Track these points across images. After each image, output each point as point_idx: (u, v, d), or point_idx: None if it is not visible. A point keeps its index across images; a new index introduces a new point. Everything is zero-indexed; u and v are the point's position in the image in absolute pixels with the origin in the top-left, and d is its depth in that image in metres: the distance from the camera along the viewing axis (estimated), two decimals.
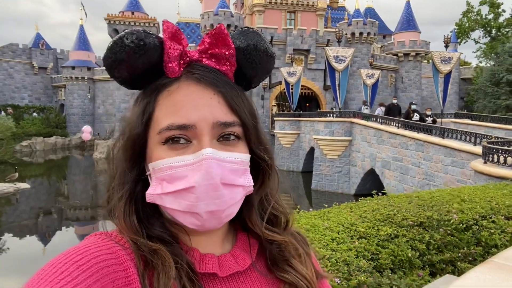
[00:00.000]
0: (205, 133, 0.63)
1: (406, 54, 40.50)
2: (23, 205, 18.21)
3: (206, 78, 0.65)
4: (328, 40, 36.22)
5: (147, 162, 0.66)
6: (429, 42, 40.81)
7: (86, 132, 35.29)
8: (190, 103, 0.63)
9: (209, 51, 0.68)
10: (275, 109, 37.38)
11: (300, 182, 24.37)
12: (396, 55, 41.04)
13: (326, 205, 4.47)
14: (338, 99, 22.85)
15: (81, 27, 48.05)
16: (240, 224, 0.77)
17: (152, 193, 0.64)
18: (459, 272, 3.48)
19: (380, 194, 5.51)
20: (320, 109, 32.70)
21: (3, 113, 37.05)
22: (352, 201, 4.99)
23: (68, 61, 46.46)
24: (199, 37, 46.54)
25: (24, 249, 12.96)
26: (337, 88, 22.76)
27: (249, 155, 0.69)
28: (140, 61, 0.63)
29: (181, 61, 0.66)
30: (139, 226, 0.64)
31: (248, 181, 0.68)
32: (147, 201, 0.65)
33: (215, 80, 0.66)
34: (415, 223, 3.87)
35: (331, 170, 20.82)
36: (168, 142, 0.63)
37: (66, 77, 44.99)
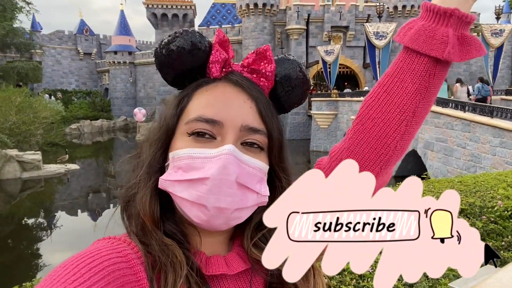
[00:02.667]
0: (231, 132, 0.64)
1: None
2: (73, 184, 19.44)
3: (243, 83, 0.69)
4: (369, 16, 34.71)
5: (169, 152, 0.68)
6: (479, 14, 38.03)
7: (140, 114, 36.62)
8: (223, 101, 0.66)
9: (251, 66, 0.72)
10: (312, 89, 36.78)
11: None
12: None
13: None
14: (378, 77, 22.04)
15: (122, 12, 49.32)
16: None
17: (166, 179, 0.65)
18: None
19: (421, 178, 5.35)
20: (358, 89, 31.74)
21: (53, 98, 39.23)
22: (392, 184, 4.88)
23: (110, 46, 48.09)
24: (235, 17, 46.24)
25: (76, 225, 13.92)
26: (377, 66, 21.94)
27: (267, 166, 0.69)
28: (188, 61, 0.68)
29: (224, 69, 0.70)
30: (159, 217, 0.65)
31: (264, 190, 0.67)
32: (159, 186, 0.66)
33: (251, 87, 0.69)
34: None
35: None
36: (193, 134, 0.65)
37: (109, 62, 46.71)
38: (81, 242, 12.06)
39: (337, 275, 2.24)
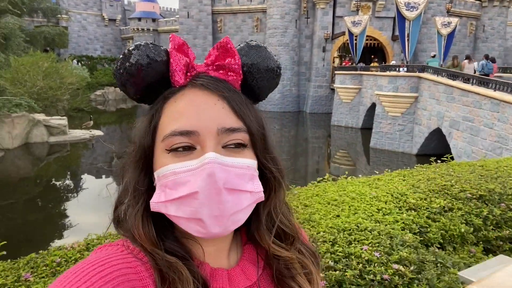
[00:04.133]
0: (209, 139, 0.63)
1: None
2: (98, 149, 20.06)
3: (210, 84, 0.66)
4: None
5: (154, 171, 0.67)
6: None
7: None
8: (194, 109, 0.64)
9: (216, 63, 0.69)
10: (337, 61, 35.78)
11: (359, 139, 23.73)
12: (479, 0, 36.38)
13: (377, 172, 4.34)
14: (407, 51, 21.22)
15: None
16: (246, 235, 0.77)
17: (157, 201, 0.64)
18: None
19: (439, 161, 5.22)
20: (385, 62, 30.69)
21: (79, 63, 39.83)
22: (413, 162, 4.75)
23: (134, 13, 47.88)
24: None
25: (100, 188, 14.47)
26: (406, 38, 21.05)
27: (256, 161, 0.68)
28: (150, 75, 0.66)
29: (188, 73, 0.68)
30: (157, 238, 0.65)
31: (257, 187, 0.66)
32: (151, 210, 0.65)
33: (219, 87, 0.66)
34: (474, 196, 3.66)
35: (392, 128, 19.91)
36: (172, 150, 0.63)
37: (133, 29, 46.66)
38: (105, 204, 12.54)
39: (343, 258, 2.26)
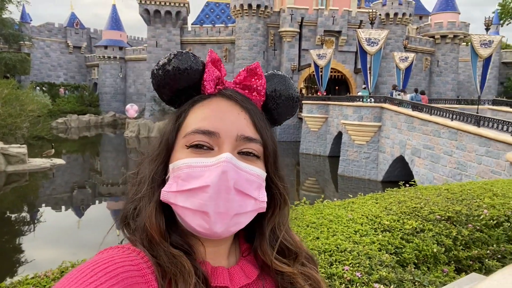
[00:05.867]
0: (228, 142, 0.68)
1: (444, 36, 38.63)
2: (58, 179, 19.13)
3: (236, 97, 0.73)
4: (361, 21, 35.01)
5: (170, 164, 0.71)
6: (469, 24, 38.69)
7: (131, 110, 36.55)
8: (218, 114, 0.70)
9: (243, 83, 0.76)
10: (303, 91, 36.86)
11: (327, 167, 24.20)
12: (433, 37, 39.22)
13: (351, 195, 4.44)
14: (369, 83, 22.24)
15: (114, 6, 48.78)
16: (244, 236, 0.79)
17: (168, 191, 0.67)
18: (486, 270, 3.40)
19: (407, 185, 5.40)
20: (349, 93, 31.99)
21: (38, 90, 38.51)
22: (379, 189, 4.93)
23: (100, 41, 47.50)
24: (228, 17, 46.16)
25: (59, 221, 13.69)
26: (368, 71, 22.13)
27: (265, 173, 0.73)
28: (184, 80, 0.73)
29: (218, 86, 0.75)
30: (165, 229, 0.67)
31: (262, 196, 0.70)
32: (161, 199, 0.68)
33: (244, 100, 0.73)
34: (443, 218, 3.79)
35: (358, 155, 20.51)
36: (192, 146, 0.68)
37: (99, 56, 46.12)
38: (65, 238, 11.87)
39: (326, 279, 2.25)
